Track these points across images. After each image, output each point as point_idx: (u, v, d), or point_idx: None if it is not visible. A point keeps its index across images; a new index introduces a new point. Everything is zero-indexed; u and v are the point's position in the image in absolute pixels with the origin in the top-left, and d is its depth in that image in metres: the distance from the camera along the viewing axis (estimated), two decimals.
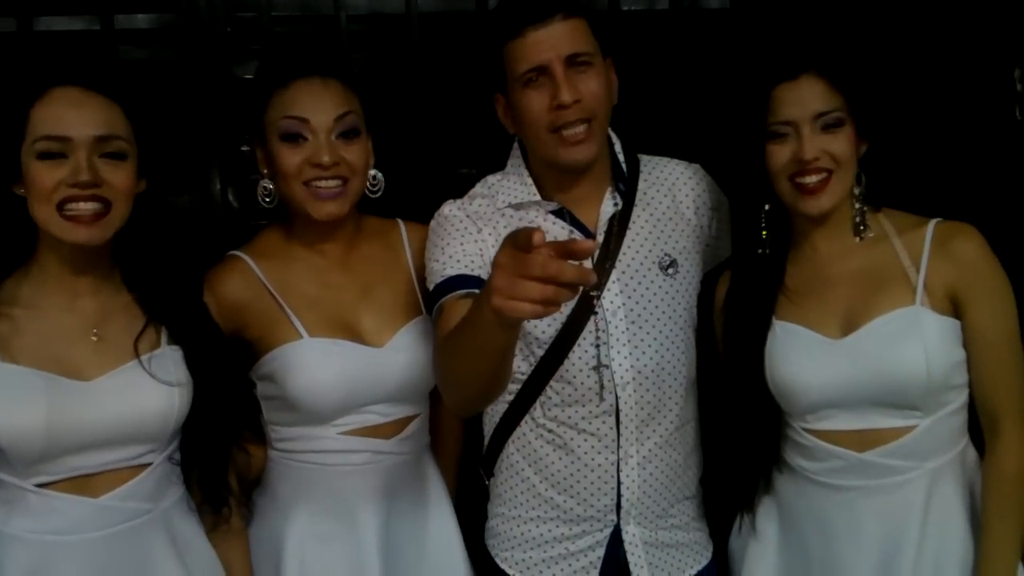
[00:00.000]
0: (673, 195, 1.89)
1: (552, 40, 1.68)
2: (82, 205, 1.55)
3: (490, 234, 1.78)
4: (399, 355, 1.83)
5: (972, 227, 1.69)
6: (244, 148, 2.43)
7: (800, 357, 1.71)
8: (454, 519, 1.94)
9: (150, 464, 1.63)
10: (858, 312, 1.69)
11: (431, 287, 1.77)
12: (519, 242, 1.22)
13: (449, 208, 1.84)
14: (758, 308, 1.76)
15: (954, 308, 1.67)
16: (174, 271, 1.71)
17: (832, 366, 1.68)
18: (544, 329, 1.77)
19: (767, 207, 1.75)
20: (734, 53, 2.52)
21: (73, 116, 1.54)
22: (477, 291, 1.63)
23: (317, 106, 1.77)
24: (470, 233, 1.78)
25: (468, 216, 1.80)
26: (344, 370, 1.78)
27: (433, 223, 1.84)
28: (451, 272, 1.73)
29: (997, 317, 1.66)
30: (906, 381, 1.63)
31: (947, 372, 1.65)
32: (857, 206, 1.73)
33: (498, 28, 1.74)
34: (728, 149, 1.78)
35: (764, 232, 1.75)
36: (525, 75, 1.70)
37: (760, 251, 1.76)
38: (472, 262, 1.74)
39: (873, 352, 1.66)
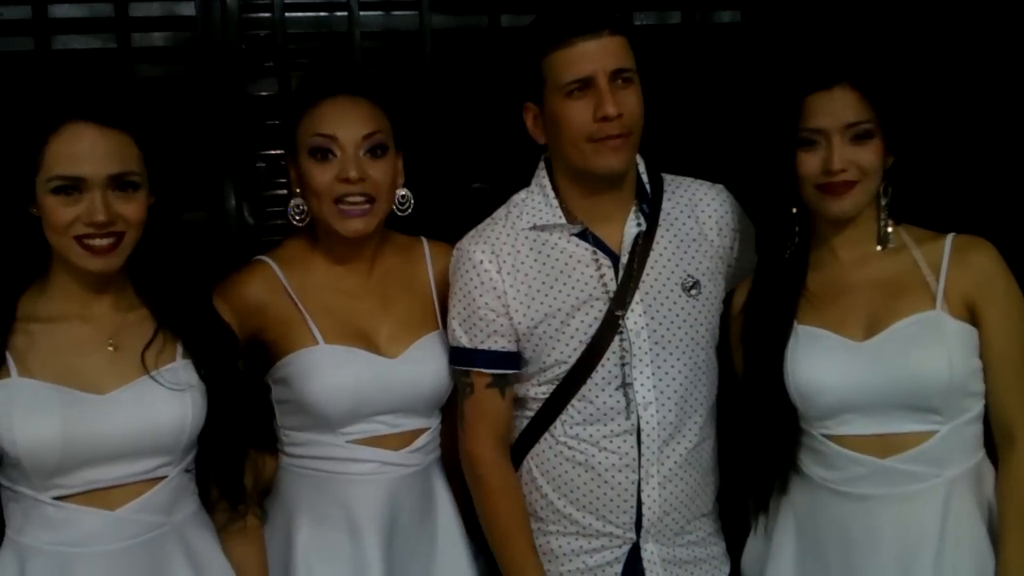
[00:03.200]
0: (696, 216, 1.89)
1: (599, 53, 1.70)
2: (97, 241, 1.58)
3: (509, 272, 1.80)
4: (412, 367, 1.84)
5: (988, 241, 1.72)
6: (260, 165, 2.47)
7: (822, 359, 1.71)
8: (463, 535, 1.92)
9: (165, 477, 1.64)
10: (880, 316, 1.70)
11: (452, 342, 1.84)
12: None
13: (470, 245, 1.83)
14: (780, 311, 1.77)
15: (971, 317, 1.69)
16: (183, 281, 1.72)
17: (855, 368, 1.68)
18: (570, 354, 1.77)
19: (795, 210, 1.76)
20: (746, 66, 2.53)
21: (88, 155, 1.55)
22: (504, 372, 1.79)
23: (344, 123, 1.79)
24: (490, 281, 1.79)
25: (490, 254, 1.81)
26: (355, 377, 1.80)
27: (454, 260, 1.86)
28: (479, 343, 1.81)
29: (1011, 327, 1.68)
30: (929, 382, 1.64)
31: (966, 376, 1.67)
32: (883, 216, 1.74)
33: (541, 37, 1.75)
34: (755, 154, 1.79)
35: (795, 236, 1.77)
36: (569, 85, 1.71)
37: (787, 253, 1.77)
38: (494, 329, 1.80)
39: (896, 353, 1.67)
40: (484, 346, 1.80)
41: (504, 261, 1.80)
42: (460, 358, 1.83)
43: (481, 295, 1.80)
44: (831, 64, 1.70)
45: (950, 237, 1.73)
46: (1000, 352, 1.68)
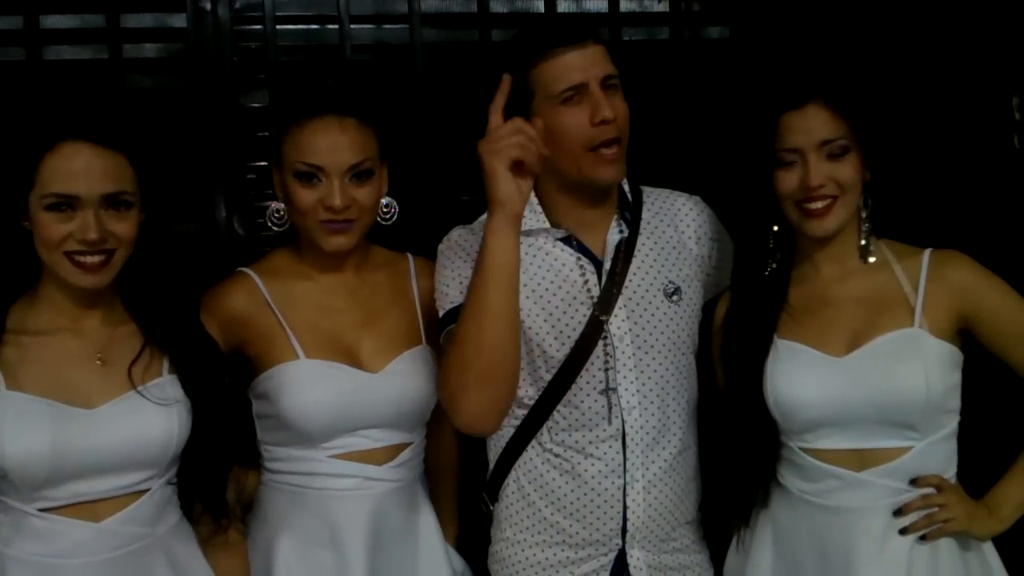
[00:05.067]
0: (676, 225, 1.92)
1: (589, 61, 1.73)
2: (88, 258, 1.60)
3: None
4: (394, 381, 1.84)
5: (961, 253, 1.75)
6: (251, 176, 2.47)
7: (801, 374, 1.73)
8: (445, 550, 1.93)
9: (149, 490, 1.66)
10: (860, 332, 1.72)
11: (441, 313, 1.81)
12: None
13: (458, 233, 1.87)
14: (760, 326, 1.78)
15: (959, 335, 1.71)
16: (171, 297, 1.74)
17: (833, 383, 1.70)
18: (552, 353, 1.79)
19: (775, 228, 1.78)
20: (735, 82, 2.55)
21: (82, 174, 1.57)
22: None
23: (332, 152, 1.78)
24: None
25: (477, 241, 1.82)
26: (336, 392, 1.80)
27: (442, 247, 1.88)
28: (460, 300, 1.76)
29: (1012, 308, 1.71)
30: (905, 398, 1.66)
31: (944, 393, 1.69)
32: (864, 228, 1.76)
33: (528, 49, 1.77)
34: (734, 173, 1.82)
35: (777, 253, 1.79)
36: (564, 93, 1.73)
37: (767, 270, 1.79)
38: None
39: (874, 369, 1.68)
40: None
41: None
42: (450, 316, 1.78)
43: (474, 262, 1.77)
44: (802, 83, 1.72)
45: (927, 253, 1.75)
46: (1017, 332, 1.70)
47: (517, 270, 1.69)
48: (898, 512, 1.69)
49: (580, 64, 1.73)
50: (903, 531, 1.68)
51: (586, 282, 1.82)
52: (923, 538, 1.69)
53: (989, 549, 1.76)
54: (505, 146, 1.64)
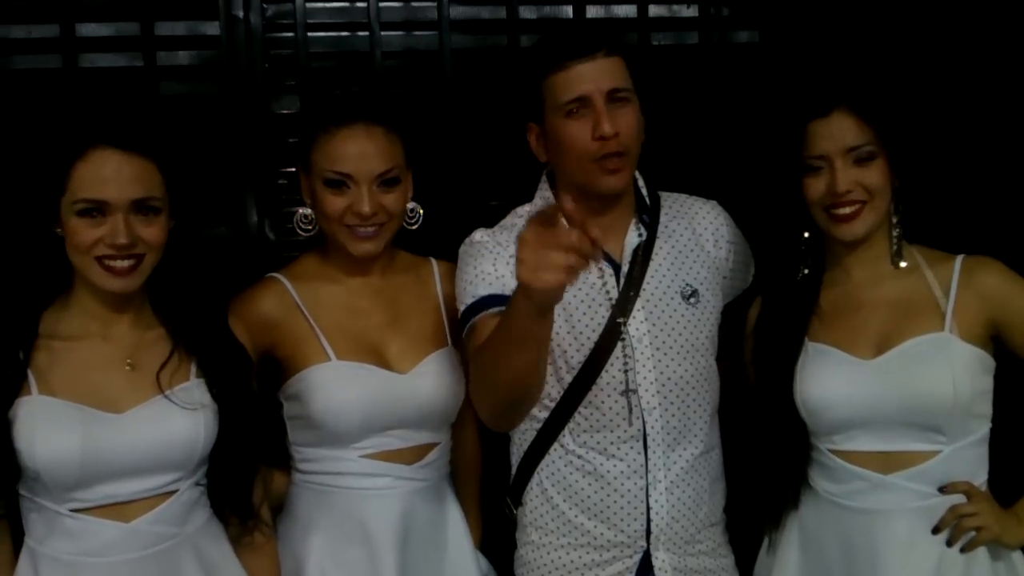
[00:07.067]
0: (693, 228, 1.93)
1: (594, 74, 1.74)
2: (118, 262, 1.63)
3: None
4: (422, 382, 1.87)
5: (994, 260, 1.74)
6: (281, 181, 2.50)
7: (830, 376, 1.73)
8: (472, 549, 1.96)
9: (177, 491, 1.69)
10: (889, 335, 1.72)
11: (462, 307, 1.82)
12: (546, 215, 1.41)
13: (479, 235, 1.89)
14: (791, 329, 1.79)
15: (991, 340, 1.71)
16: (199, 302, 1.77)
17: (861, 385, 1.71)
18: (572, 354, 1.80)
19: (807, 235, 1.79)
20: (764, 87, 2.55)
21: (112, 180, 1.61)
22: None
23: (360, 160, 1.82)
24: (500, 256, 1.82)
25: (497, 242, 1.85)
26: (366, 393, 1.83)
27: (463, 248, 1.90)
28: (482, 292, 1.79)
29: None
30: (933, 402, 1.66)
31: (972, 398, 1.68)
32: (895, 233, 1.77)
33: (540, 60, 1.80)
34: (764, 180, 1.82)
35: (808, 258, 1.81)
36: (567, 105, 1.75)
37: (800, 275, 1.81)
38: (504, 284, 1.78)
39: (902, 372, 1.69)
40: (501, 292, 1.77)
41: (512, 255, 1.81)
42: (473, 309, 1.79)
43: (494, 264, 1.81)
44: (827, 91, 1.73)
45: (959, 259, 1.75)
46: None
47: (548, 341, 1.62)
48: (935, 530, 1.68)
49: (585, 77, 1.74)
50: (948, 543, 1.68)
51: (604, 284, 1.83)
52: (961, 550, 1.68)
53: (1018, 558, 1.75)
54: (550, 272, 1.41)
